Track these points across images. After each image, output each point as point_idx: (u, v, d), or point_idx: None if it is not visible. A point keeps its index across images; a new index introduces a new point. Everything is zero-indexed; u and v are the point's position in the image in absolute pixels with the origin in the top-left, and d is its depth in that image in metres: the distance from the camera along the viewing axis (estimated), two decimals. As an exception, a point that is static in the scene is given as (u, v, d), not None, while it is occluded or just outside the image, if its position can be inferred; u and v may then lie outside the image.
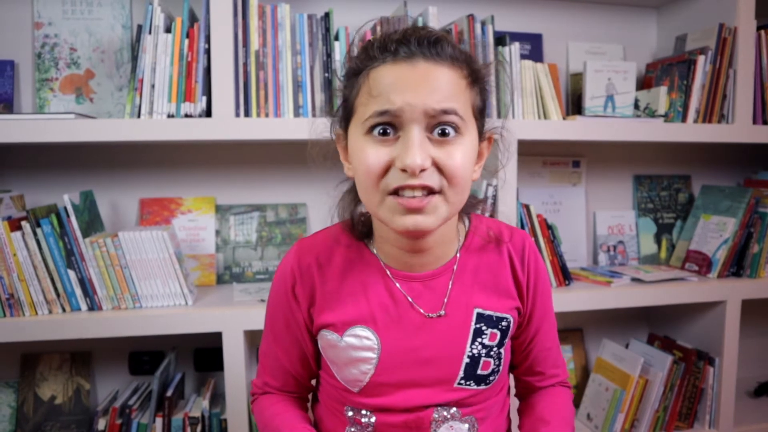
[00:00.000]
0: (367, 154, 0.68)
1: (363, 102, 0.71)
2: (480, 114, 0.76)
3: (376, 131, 0.68)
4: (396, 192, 0.69)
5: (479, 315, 0.81)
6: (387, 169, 0.68)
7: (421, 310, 0.80)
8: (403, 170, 0.67)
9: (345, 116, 0.76)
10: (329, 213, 0.88)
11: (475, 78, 0.74)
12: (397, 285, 0.80)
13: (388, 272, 0.81)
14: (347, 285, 0.81)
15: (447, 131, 0.68)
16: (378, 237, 0.82)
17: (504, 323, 0.83)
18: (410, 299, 0.80)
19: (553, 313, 0.91)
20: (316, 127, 0.84)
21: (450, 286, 0.81)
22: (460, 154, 0.69)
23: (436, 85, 0.67)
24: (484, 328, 0.81)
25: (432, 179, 0.68)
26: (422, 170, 0.66)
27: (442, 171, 0.68)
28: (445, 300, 0.81)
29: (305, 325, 0.84)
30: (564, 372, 0.94)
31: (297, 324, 0.84)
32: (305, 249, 0.84)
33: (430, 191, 0.68)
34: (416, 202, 0.67)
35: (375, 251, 0.83)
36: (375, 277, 0.81)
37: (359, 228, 0.83)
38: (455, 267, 0.82)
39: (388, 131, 0.68)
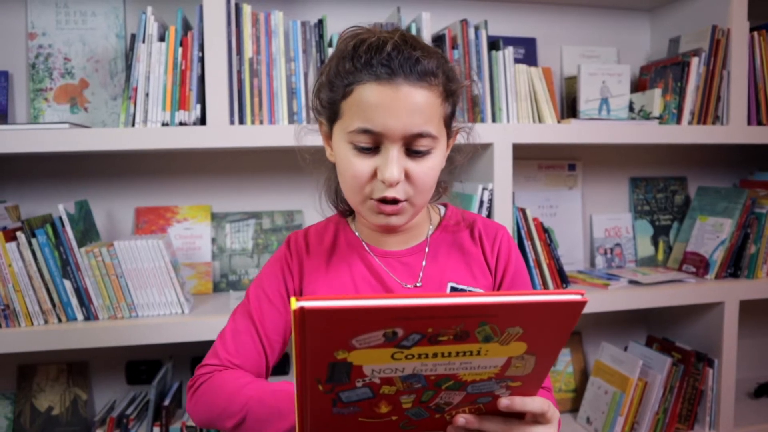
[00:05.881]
0: (354, 164, 0.77)
1: (349, 112, 0.77)
2: (450, 119, 0.83)
3: (359, 146, 0.77)
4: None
5: (453, 288, 0.88)
6: (370, 177, 0.78)
7: (398, 281, 0.87)
8: (383, 181, 0.76)
9: (331, 115, 0.81)
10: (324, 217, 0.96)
11: (449, 92, 0.80)
12: (377, 260, 0.88)
13: (368, 249, 0.89)
14: (333, 260, 0.90)
15: (420, 151, 0.77)
16: (358, 217, 0.91)
17: None
18: (389, 271, 0.88)
19: None
20: (303, 135, 0.91)
21: (424, 264, 0.89)
22: (429, 167, 0.78)
23: (415, 108, 0.74)
24: None
25: (402, 191, 0.78)
26: (398, 182, 0.77)
27: (411, 180, 0.77)
28: (421, 274, 0.88)
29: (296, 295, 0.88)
30: None
31: (288, 294, 0.90)
32: (298, 232, 0.94)
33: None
34: (390, 208, 0.79)
35: (357, 232, 0.91)
36: (357, 254, 0.90)
37: (346, 206, 0.92)
38: (427, 248, 0.90)
39: (370, 148, 0.76)
